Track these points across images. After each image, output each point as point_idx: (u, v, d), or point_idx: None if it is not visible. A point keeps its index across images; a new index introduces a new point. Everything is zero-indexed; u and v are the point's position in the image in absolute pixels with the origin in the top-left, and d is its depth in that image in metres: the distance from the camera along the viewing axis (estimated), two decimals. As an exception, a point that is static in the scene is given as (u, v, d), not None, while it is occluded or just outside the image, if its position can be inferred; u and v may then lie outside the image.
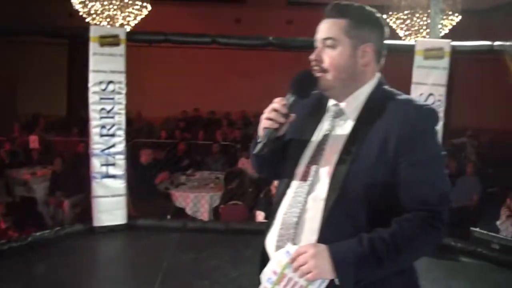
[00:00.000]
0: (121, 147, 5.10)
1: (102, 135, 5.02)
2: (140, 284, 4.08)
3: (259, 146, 1.50)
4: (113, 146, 5.05)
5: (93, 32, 4.93)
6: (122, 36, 4.99)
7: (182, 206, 6.47)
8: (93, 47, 4.90)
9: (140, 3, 7.72)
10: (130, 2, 7.68)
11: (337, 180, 1.43)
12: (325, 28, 1.50)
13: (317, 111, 1.61)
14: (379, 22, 1.53)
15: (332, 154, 1.49)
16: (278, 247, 1.49)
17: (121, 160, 5.12)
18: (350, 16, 1.48)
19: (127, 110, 5.18)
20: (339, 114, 1.54)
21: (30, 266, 4.33)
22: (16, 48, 11.05)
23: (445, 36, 7.52)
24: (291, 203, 1.51)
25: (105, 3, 7.46)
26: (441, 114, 5.09)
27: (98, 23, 7.52)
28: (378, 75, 1.56)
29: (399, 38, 8.37)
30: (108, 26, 7.00)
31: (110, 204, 5.10)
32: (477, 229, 5.09)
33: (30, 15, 10.42)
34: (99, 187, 5.07)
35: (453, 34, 7.56)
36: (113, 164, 5.08)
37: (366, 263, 1.36)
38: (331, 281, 1.38)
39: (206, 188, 6.81)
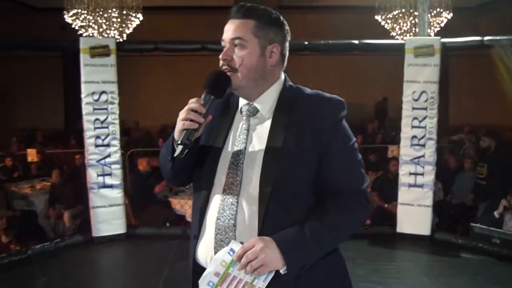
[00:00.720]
0: (116, 156, 5.11)
1: (97, 146, 5.03)
2: (140, 292, 4.09)
3: (179, 149, 1.45)
4: (108, 156, 5.07)
5: (83, 44, 4.95)
6: (112, 46, 5.01)
7: (181, 213, 6.46)
8: (84, 58, 4.93)
9: (132, 13, 7.73)
10: (124, 12, 7.71)
11: (268, 178, 1.46)
12: (232, 28, 1.52)
13: (226, 112, 1.62)
14: (283, 25, 1.57)
15: (255, 152, 1.51)
16: (213, 258, 1.47)
17: (117, 169, 5.14)
18: (256, 17, 1.52)
19: (122, 120, 5.20)
20: (254, 113, 1.57)
21: (31, 278, 4.34)
22: (11, 62, 11.10)
23: (438, 34, 7.56)
24: (222, 206, 1.50)
25: (97, 14, 7.48)
26: (434, 111, 5.10)
27: (90, 34, 7.54)
28: (283, 74, 1.62)
29: (393, 38, 8.37)
30: (99, 37, 7.01)
31: (108, 214, 5.12)
32: (478, 225, 5.09)
33: (22, 29, 10.47)
34: (96, 197, 5.08)
35: (446, 31, 7.57)
36: (109, 174, 5.09)
37: (310, 248, 1.44)
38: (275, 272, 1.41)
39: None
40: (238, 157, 1.52)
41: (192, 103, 1.46)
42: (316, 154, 1.48)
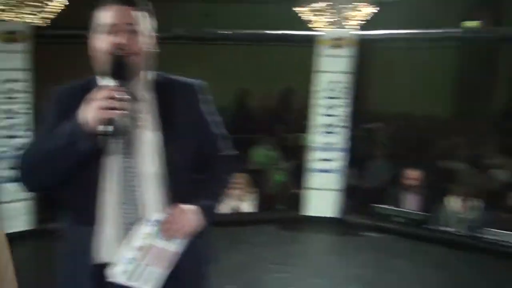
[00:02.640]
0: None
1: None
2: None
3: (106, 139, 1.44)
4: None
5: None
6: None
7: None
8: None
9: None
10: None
11: (165, 154, 1.57)
12: (124, 14, 1.52)
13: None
14: None
15: (145, 133, 1.57)
16: (128, 235, 1.54)
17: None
18: (138, 3, 1.57)
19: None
20: (132, 96, 1.57)
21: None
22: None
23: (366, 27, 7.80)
24: (122, 188, 1.55)
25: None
26: (348, 101, 5.40)
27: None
28: None
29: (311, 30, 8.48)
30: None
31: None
32: (379, 205, 5.37)
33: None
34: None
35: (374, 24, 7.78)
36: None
37: (215, 206, 1.71)
38: None
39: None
40: (128, 140, 1.54)
41: (108, 90, 1.42)
42: (197, 128, 1.65)
